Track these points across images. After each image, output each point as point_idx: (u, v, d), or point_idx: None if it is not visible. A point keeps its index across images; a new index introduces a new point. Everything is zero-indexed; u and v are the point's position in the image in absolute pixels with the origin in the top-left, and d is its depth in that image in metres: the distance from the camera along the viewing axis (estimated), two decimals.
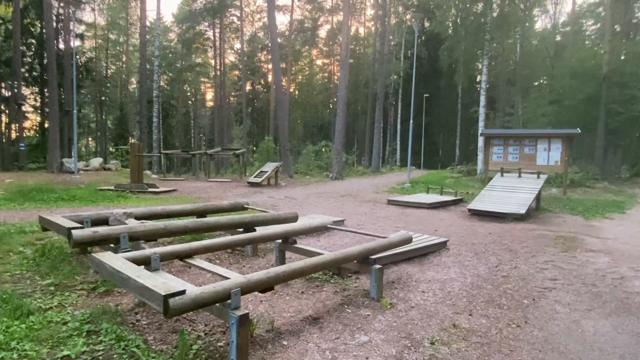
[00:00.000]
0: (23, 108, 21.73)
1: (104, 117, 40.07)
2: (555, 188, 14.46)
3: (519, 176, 10.73)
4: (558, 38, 32.34)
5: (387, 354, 2.75)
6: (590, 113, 20.12)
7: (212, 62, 43.94)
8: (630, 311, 3.70)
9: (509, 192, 9.61)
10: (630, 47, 21.89)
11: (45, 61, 21.15)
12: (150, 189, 11.82)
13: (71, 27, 20.72)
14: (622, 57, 21.24)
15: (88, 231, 3.67)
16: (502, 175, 11.18)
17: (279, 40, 29.10)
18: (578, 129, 12.90)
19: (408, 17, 38.07)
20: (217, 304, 2.51)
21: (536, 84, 30.10)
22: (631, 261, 5.40)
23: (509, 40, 29.06)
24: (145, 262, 3.09)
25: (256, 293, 3.30)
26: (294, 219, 5.46)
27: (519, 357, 2.80)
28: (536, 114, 22.81)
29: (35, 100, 27.16)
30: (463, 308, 3.65)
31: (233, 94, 47.59)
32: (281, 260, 4.51)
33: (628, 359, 2.83)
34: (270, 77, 42.03)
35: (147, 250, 3.28)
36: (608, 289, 4.29)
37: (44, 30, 19.79)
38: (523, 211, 8.42)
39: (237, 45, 44.79)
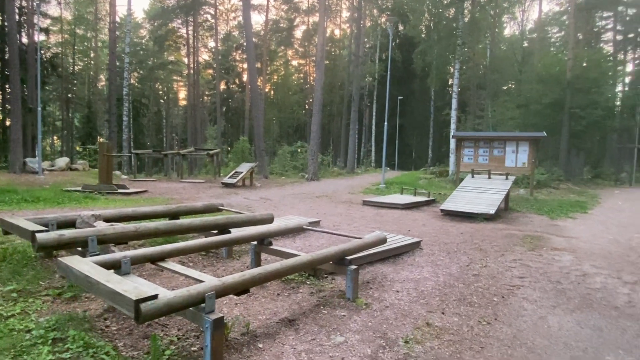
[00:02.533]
0: None
1: (70, 115, 38.53)
2: (523, 189, 15.00)
3: (489, 177, 11.06)
4: (525, 44, 33.61)
5: (363, 354, 2.77)
6: (555, 117, 21.00)
7: (185, 60, 43.07)
8: (592, 307, 3.88)
9: (479, 193, 9.89)
10: (592, 54, 23.00)
11: (6, 56, 20.14)
12: (120, 190, 11.46)
13: (35, 21, 19.81)
14: (585, 64, 22.28)
15: (53, 234, 3.52)
16: (472, 177, 11.49)
17: (254, 39, 28.86)
18: (544, 132, 13.46)
19: (383, 20, 38.57)
20: (190, 308, 2.46)
21: (505, 88, 31.17)
22: (593, 259, 5.67)
23: (479, 45, 29.93)
24: (115, 266, 2.99)
25: (231, 296, 3.26)
26: (270, 220, 5.42)
27: (489, 353, 2.89)
28: (505, 117, 23.62)
29: None
30: (436, 307, 3.73)
31: (207, 93, 46.80)
32: (257, 262, 4.47)
33: (590, 353, 2.97)
34: (245, 77, 41.61)
35: (117, 254, 3.18)
36: (572, 285, 4.48)
37: (5, 24, 18.87)
38: (492, 211, 8.69)
39: (212, 44, 44.11)
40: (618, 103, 25.89)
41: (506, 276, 4.74)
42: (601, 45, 31.49)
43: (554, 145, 23.04)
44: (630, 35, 32.27)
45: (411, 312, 3.58)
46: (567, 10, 29.34)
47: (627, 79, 32.24)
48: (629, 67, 33.66)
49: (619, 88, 30.06)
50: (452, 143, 20.43)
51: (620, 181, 22.54)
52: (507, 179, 10.70)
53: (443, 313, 3.59)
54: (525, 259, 5.51)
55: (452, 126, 22.00)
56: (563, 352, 2.96)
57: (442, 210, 9.40)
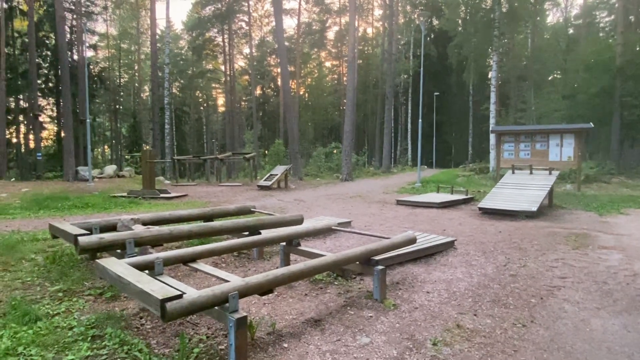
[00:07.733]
0: (40, 118, 22.31)
1: (118, 125, 40.85)
2: (570, 184, 14.17)
3: (530, 173, 10.55)
4: (570, 31, 31.77)
5: (388, 356, 2.73)
6: (604, 107, 19.68)
7: (223, 67, 44.38)
8: None
9: (520, 190, 9.45)
10: None
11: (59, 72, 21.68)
12: (162, 195, 12.00)
13: (84, 38, 21.22)
14: (638, 49, 20.69)
15: (94, 238, 3.75)
16: (513, 173, 11.01)
17: (286, 43, 29.26)
18: (591, 123, 12.63)
19: (416, 15, 37.87)
20: (215, 307, 2.53)
21: (549, 78, 29.61)
22: None
23: (519, 35, 28.67)
24: (148, 267, 3.14)
25: (260, 296, 3.32)
26: (299, 221, 5.47)
27: (522, 357, 2.76)
28: (549, 109, 22.42)
29: (52, 110, 27.86)
30: (468, 308, 3.61)
31: (244, 98, 47.98)
32: (285, 263, 4.52)
33: (637, 358, 2.76)
34: (280, 81, 42.23)
35: (151, 255, 3.33)
36: (619, 286, 4.18)
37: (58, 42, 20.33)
38: (534, 208, 8.27)
39: (247, 50, 45.14)
40: None
41: (546, 276, 4.50)
42: None
43: (605, 137, 21.58)
44: None
45: (441, 313, 3.48)
46: None
47: None
48: None
49: None
50: (492, 138, 19.66)
51: None
52: (550, 174, 10.15)
53: (475, 315, 3.46)
54: (568, 258, 5.21)
55: (492, 121, 21.17)
56: (606, 357, 2.77)
57: (480, 209, 9.07)
